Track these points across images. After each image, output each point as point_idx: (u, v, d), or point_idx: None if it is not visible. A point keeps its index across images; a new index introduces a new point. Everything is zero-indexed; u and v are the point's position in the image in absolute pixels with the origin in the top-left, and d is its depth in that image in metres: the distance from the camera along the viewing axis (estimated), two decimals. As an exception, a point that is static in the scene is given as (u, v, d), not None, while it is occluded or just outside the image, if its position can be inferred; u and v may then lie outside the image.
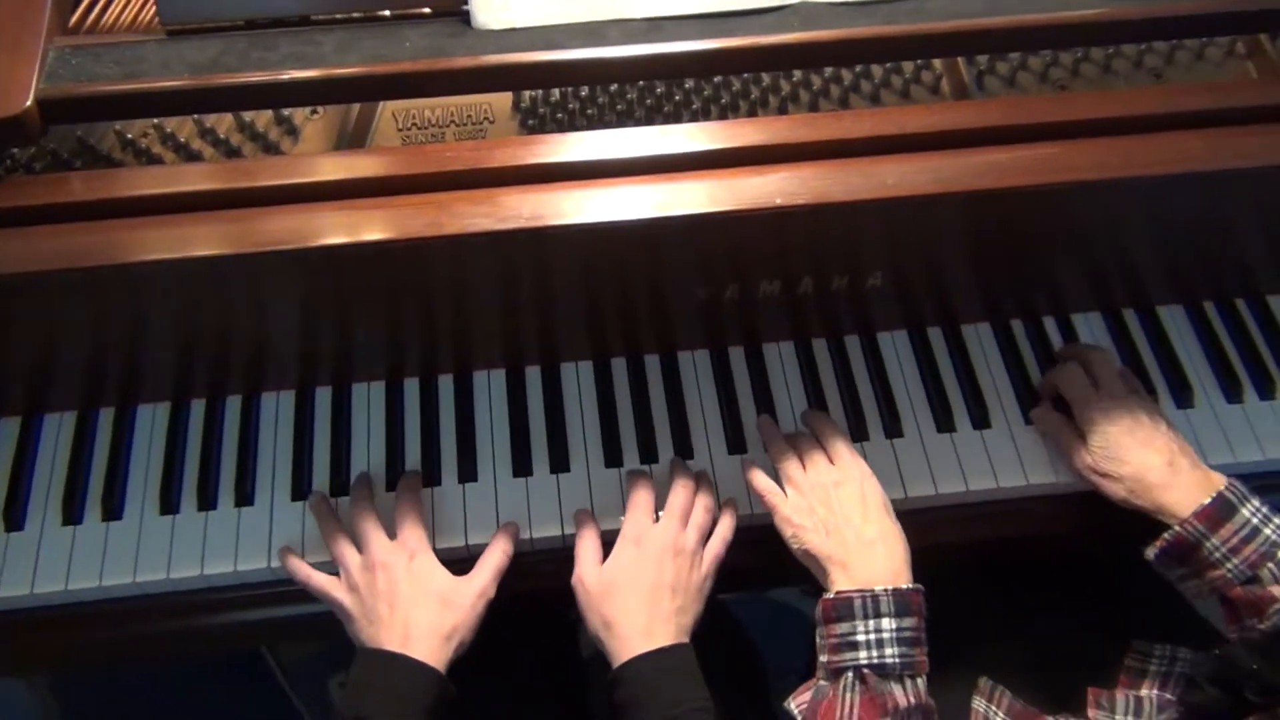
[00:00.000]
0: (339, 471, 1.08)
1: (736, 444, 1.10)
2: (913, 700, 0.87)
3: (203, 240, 0.90)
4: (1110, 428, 0.99)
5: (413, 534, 0.99)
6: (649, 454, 1.09)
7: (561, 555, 1.05)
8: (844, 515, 0.95)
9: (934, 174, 0.94)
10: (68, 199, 0.91)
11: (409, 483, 1.05)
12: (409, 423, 1.11)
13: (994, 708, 0.98)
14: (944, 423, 1.10)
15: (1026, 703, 1.00)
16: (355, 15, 0.98)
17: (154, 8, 1.00)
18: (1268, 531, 0.90)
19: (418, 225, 0.89)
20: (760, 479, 1.02)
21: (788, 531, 0.98)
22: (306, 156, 0.98)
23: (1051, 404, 1.08)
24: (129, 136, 1.00)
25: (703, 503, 1.02)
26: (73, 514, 1.05)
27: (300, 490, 1.07)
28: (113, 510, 1.05)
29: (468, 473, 1.08)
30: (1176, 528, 0.92)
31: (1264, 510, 0.91)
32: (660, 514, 1.01)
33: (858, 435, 1.10)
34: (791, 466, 1.01)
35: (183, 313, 1.00)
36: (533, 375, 1.14)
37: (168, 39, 0.96)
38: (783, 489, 1.01)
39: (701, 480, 1.04)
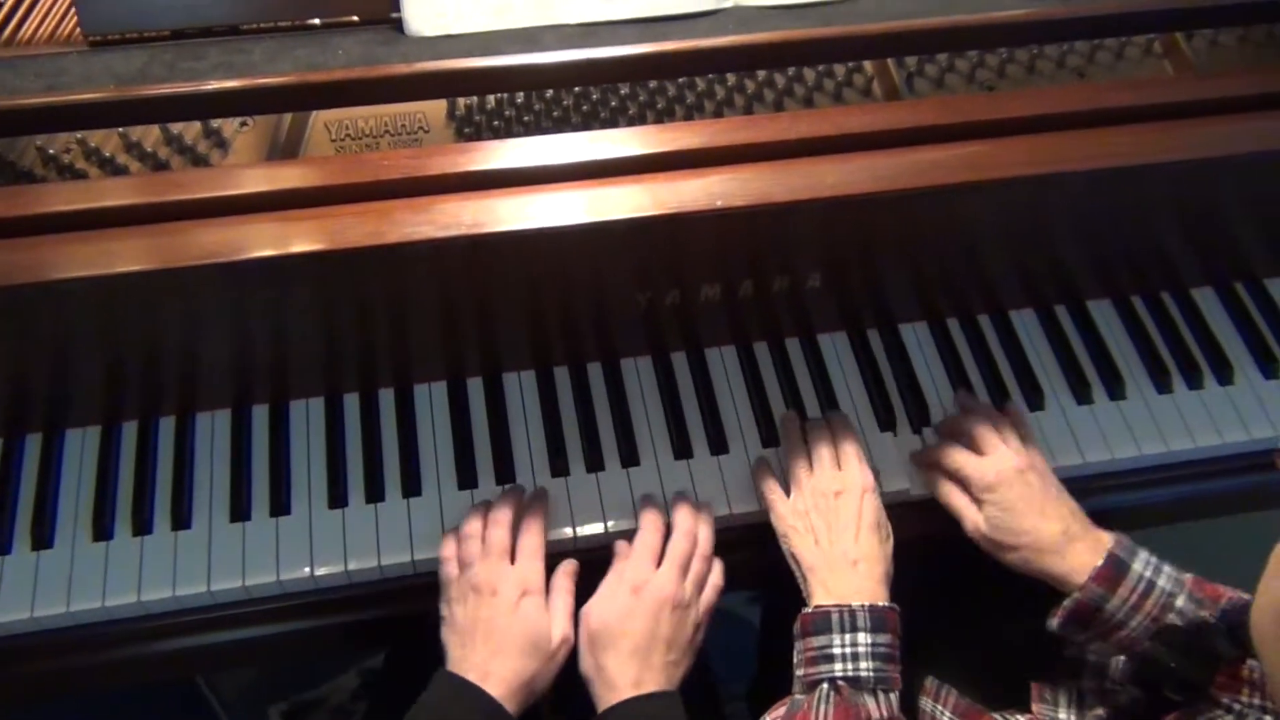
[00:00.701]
0: (278, 491, 1.05)
1: (682, 449, 1.09)
2: (885, 713, 0.87)
3: (131, 255, 0.88)
4: (1006, 496, 0.97)
5: (532, 567, 0.96)
6: (595, 463, 1.08)
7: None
8: (836, 528, 0.96)
9: (872, 173, 0.95)
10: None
11: (537, 502, 1.03)
12: (350, 438, 1.09)
13: (940, 707, 0.99)
14: (885, 421, 1.11)
15: (972, 701, 1.01)
16: (285, 24, 0.97)
17: (75, 19, 0.98)
18: (1161, 582, 0.90)
19: (358, 235, 0.88)
20: (764, 475, 1.04)
21: (780, 529, 0.99)
22: (239, 167, 0.96)
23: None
24: (50, 152, 0.97)
25: (702, 550, 1.00)
26: (1, 544, 1.01)
27: (240, 512, 1.04)
28: (43, 539, 1.01)
29: (412, 488, 1.06)
30: (1076, 594, 0.91)
31: (1154, 561, 0.92)
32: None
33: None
34: (800, 467, 1.02)
35: (112, 331, 0.97)
36: (475, 387, 1.12)
37: (90, 50, 0.94)
38: (788, 486, 1.01)
39: (701, 520, 1.03)
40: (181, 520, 1.03)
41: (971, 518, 1.00)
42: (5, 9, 0.99)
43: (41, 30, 1.00)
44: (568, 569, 1.00)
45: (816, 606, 0.92)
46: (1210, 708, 0.82)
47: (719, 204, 0.92)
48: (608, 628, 0.93)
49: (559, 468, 1.08)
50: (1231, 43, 1.10)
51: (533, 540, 0.98)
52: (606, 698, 0.90)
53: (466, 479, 1.07)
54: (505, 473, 1.07)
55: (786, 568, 1.00)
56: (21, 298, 0.88)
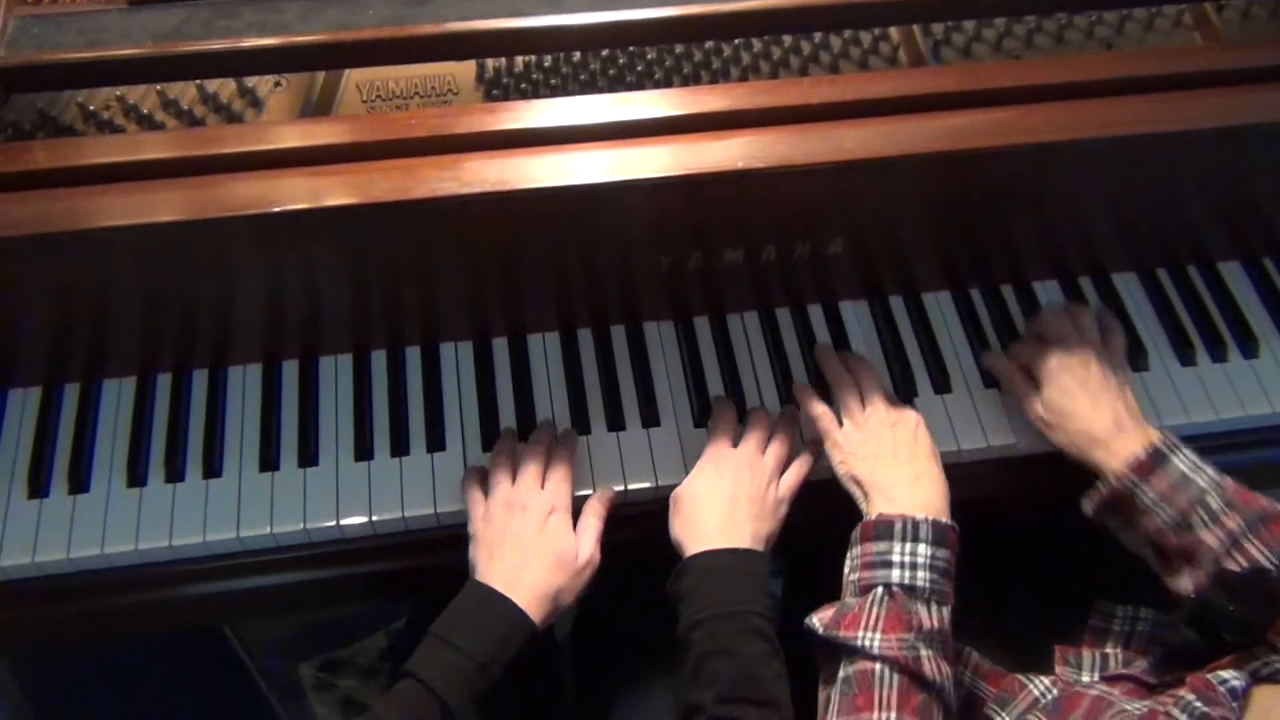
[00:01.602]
0: (306, 444, 1.08)
1: (703, 414, 1.10)
2: (936, 624, 0.88)
3: (167, 205, 0.91)
4: (1065, 379, 1.01)
5: (561, 490, 1.00)
6: (616, 424, 1.10)
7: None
8: (894, 451, 0.98)
9: (890, 137, 0.96)
10: (30, 167, 0.91)
11: (568, 439, 1.07)
12: (376, 395, 1.11)
13: (962, 669, 1.00)
14: (906, 388, 1.12)
15: (993, 663, 1.01)
16: (319, -15, 0.99)
17: (115, -23, 1.01)
18: (1199, 480, 0.91)
19: (383, 190, 0.90)
20: (816, 403, 1.05)
21: (836, 457, 1.01)
22: (272, 124, 0.98)
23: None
24: (91, 108, 1.00)
25: (780, 436, 1.04)
26: (38, 487, 1.04)
27: (269, 462, 1.06)
28: (79, 483, 1.05)
29: (436, 443, 1.08)
30: (1111, 480, 0.94)
31: (1194, 459, 0.93)
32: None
33: (816, 384, 1.11)
34: (851, 397, 1.04)
35: (147, 282, 1.00)
36: (499, 347, 1.14)
37: (129, 8, 0.96)
38: (839, 418, 1.03)
39: (781, 417, 1.07)
40: (213, 469, 1.06)
41: (1034, 402, 1.03)
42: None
43: (84, -11, 1.02)
44: (603, 496, 1.04)
45: (880, 514, 0.93)
46: (1267, 652, 0.82)
47: (739, 165, 0.93)
48: (693, 493, 0.98)
49: (581, 426, 1.09)
50: (1263, 15, 1.09)
51: (562, 467, 1.02)
52: (693, 546, 0.94)
53: (490, 437, 1.09)
54: (529, 431, 1.09)
55: (812, 533, 1.01)
56: (61, 245, 0.91)
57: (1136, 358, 1.14)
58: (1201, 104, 0.99)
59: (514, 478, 1.00)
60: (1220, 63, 1.01)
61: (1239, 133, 1.00)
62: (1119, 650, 1.01)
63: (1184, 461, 0.93)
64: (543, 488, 1.00)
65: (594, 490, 1.05)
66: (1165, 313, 1.17)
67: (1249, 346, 1.15)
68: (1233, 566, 0.88)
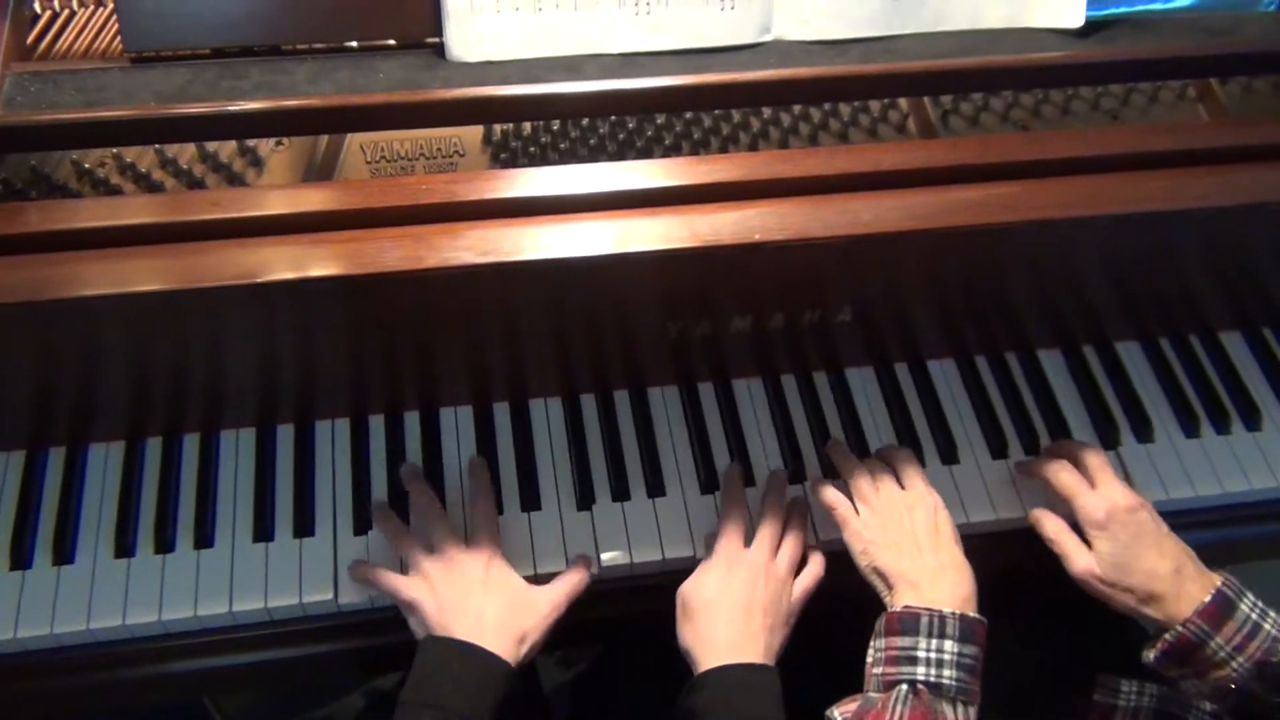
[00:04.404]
0: (302, 513, 1.04)
1: (709, 483, 1.09)
2: None
3: (161, 274, 0.87)
4: (1121, 534, 0.95)
5: (489, 539, 0.98)
6: (621, 493, 1.07)
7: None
8: (916, 538, 0.96)
9: (908, 211, 0.95)
10: (15, 230, 0.88)
11: (480, 481, 1.04)
12: (374, 461, 1.08)
13: None
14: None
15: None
16: (324, 46, 0.96)
17: (115, 34, 0.98)
18: (1267, 627, 0.89)
19: (395, 259, 0.88)
20: (830, 492, 1.03)
21: (858, 547, 0.98)
22: (273, 188, 0.96)
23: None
24: (86, 166, 0.97)
25: (793, 535, 1.02)
26: (21, 558, 1.00)
27: (264, 532, 1.03)
28: (64, 554, 1.01)
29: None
30: (1179, 628, 0.90)
31: (1260, 605, 0.91)
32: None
33: (828, 470, 1.10)
34: (865, 485, 1.02)
35: (140, 348, 0.96)
36: (501, 412, 1.12)
37: (131, 67, 0.93)
38: (854, 506, 1.01)
39: (793, 514, 1.04)
40: (204, 539, 1.02)
41: (1083, 557, 0.98)
42: (42, 22, 0.99)
43: (78, 44, 0.99)
44: (584, 562, 1.02)
45: (906, 606, 0.90)
46: None
47: (756, 237, 0.92)
48: (705, 598, 0.95)
49: (585, 498, 1.07)
50: (1266, 89, 1.10)
51: (481, 517, 1.00)
52: (706, 661, 0.91)
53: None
54: (530, 499, 1.07)
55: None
56: (49, 313, 0.87)
57: (1141, 429, 1.14)
58: (1212, 181, 0.99)
59: (432, 546, 0.97)
60: (1232, 139, 1.01)
61: (1249, 210, 1.00)
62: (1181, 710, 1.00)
63: (1251, 607, 0.90)
64: (469, 544, 0.97)
65: (597, 562, 1.03)
66: (1169, 383, 1.17)
67: (1252, 418, 1.15)
68: None
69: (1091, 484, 1.00)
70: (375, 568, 0.98)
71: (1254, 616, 0.89)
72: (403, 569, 0.97)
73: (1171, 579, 0.93)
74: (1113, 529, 0.96)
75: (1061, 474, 1.02)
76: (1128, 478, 1.10)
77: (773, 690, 0.90)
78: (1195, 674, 0.91)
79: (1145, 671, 1.03)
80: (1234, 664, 0.88)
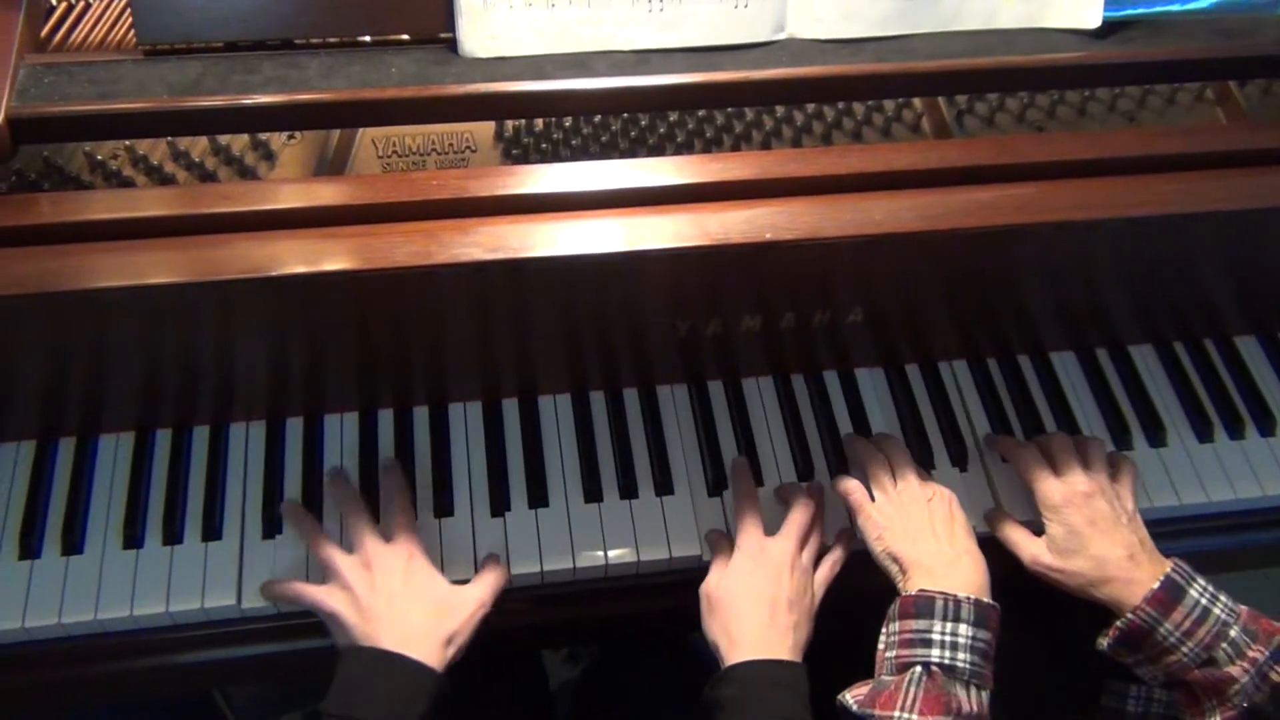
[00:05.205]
0: (311, 505, 1.04)
1: (718, 484, 1.08)
2: (975, 709, 0.86)
3: (172, 267, 0.88)
4: (1073, 517, 0.97)
5: (406, 536, 0.97)
6: (629, 490, 1.07)
7: (537, 594, 1.04)
8: (933, 526, 0.96)
9: (921, 211, 0.94)
10: (28, 221, 0.88)
11: (394, 480, 1.03)
12: (383, 456, 1.08)
13: None
14: (923, 460, 1.10)
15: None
16: (338, 41, 0.96)
17: (129, 26, 0.98)
18: (1216, 611, 0.89)
19: (405, 254, 0.88)
20: (847, 479, 1.03)
21: (872, 533, 0.98)
22: (286, 182, 0.96)
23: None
24: (98, 158, 0.97)
25: (816, 527, 1.02)
26: (30, 548, 1.00)
27: (272, 526, 1.03)
28: (73, 545, 1.01)
29: (444, 509, 1.05)
30: (1129, 615, 0.91)
31: (1210, 589, 0.91)
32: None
33: (837, 471, 1.09)
34: (884, 475, 1.02)
35: (150, 340, 0.96)
36: (509, 408, 1.12)
37: (145, 59, 0.93)
38: (871, 496, 1.01)
39: (814, 506, 1.04)
40: (212, 531, 1.03)
41: (1031, 545, 1.00)
42: (57, 14, 1.00)
43: (93, 36, 1.00)
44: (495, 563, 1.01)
45: (921, 590, 0.90)
46: None
47: (768, 236, 0.91)
48: (731, 592, 0.95)
49: (592, 494, 1.07)
50: (1285, 91, 1.10)
51: (396, 513, 0.99)
52: (734, 656, 0.91)
53: (499, 502, 1.06)
54: (538, 496, 1.06)
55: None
56: (61, 304, 0.88)
57: (1155, 434, 1.13)
58: (1228, 184, 0.99)
59: (351, 546, 0.96)
60: (1248, 143, 1.00)
61: (1265, 214, 0.99)
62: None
63: (1200, 592, 0.91)
64: (387, 542, 0.96)
65: (604, 559, 1.03)
66: (1183, 387, 1.17)
67: (1266, 423, 1.14)
68: (1260, 698, 0.86)
69: (1054, 469, 1.01)
70: (288, 582, 0.97)
71: (1203, 601, 0.90)
72: (321, 572, 0.96)
73: (1122, 564, 0.94)
74: (1066, 513, 0.97)
75: (1025, 456, 1.03)
76: (1142, 483, 1.09)
77: (800, 687, 0.89)
78: (1148, 659, 0.92)
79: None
80: (1183, 649, 0.89)
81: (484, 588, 0.96)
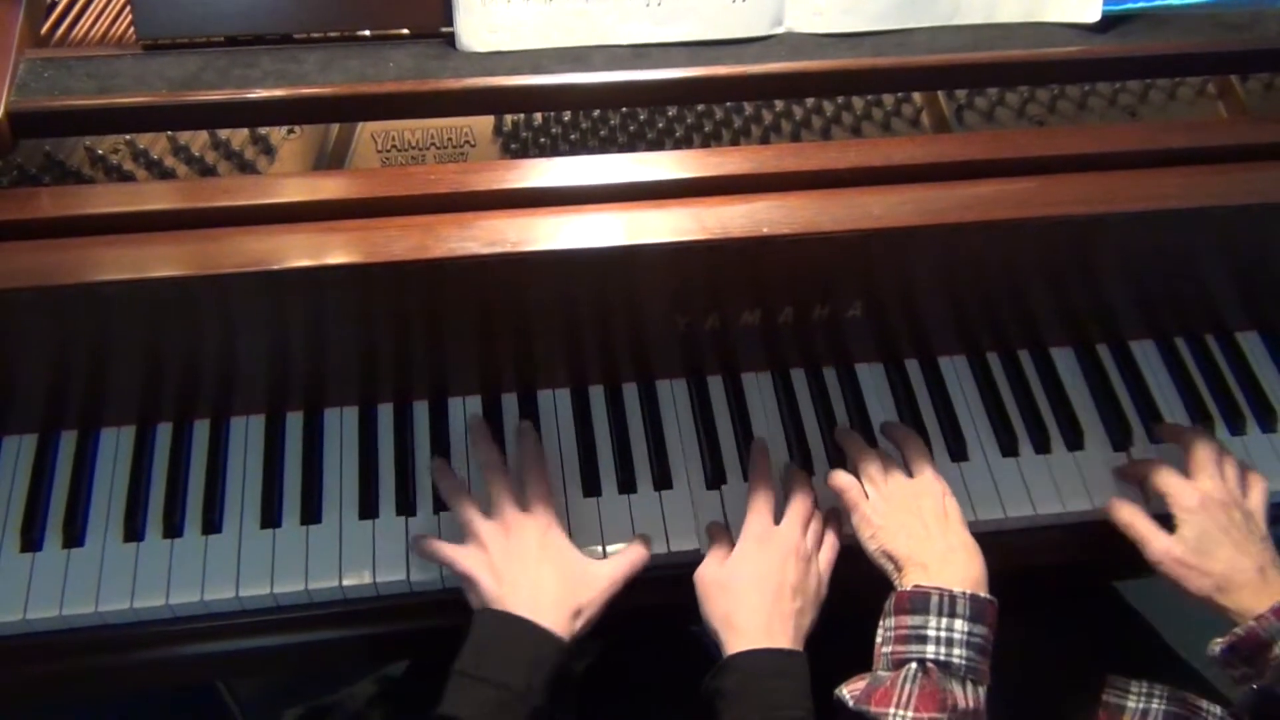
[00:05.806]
0: (310, 500, 1.05)
1: (716, 477, 1.08)
2: (971, 704, 0.86)
3: (173, 260, 0.88)
4: (1208, 523, 0.96)
5: (544, 506, 0.98)
6: (628, 484, 1.07)
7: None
8: (925, 523, 0.96)
9: (918, 206, 0.94)
10: (29, 215, 0.89)
11: (532, 452, 1.03)
12: (383, 450, 1.08)
13: None
14: (922, 454, 1.10)
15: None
16: (337, 35, 0.97)
17: (129, 22, 0.98)
18: None
19: (402, 248, 0.88)
20: (841, 475, 1.02)
21: (866, 532, 0.98)
22: (285, 176, 0.96)
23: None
24: (99, 152, 0.98)
25: (818, 513, 1.02)
26: (31, 541, 1.01)
27: (271, 519, 1.03)
28: (74, 537, 1.01)
29: (445, 502, 1.05)
30: (1251, 622, 0.89)
31: None
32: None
33: (835, 465, 1.09)
34: (875, 470, 1.01)
35: (151, 334, 0.97)
36: (509, 403, 1.12)
37: (144, 54, 0.94)
38: (863, 491, 1.01)
39: (813, 491, 1.04)
40: (212, 524, 1.03)
41: (1162, 539, 0.98)
42: (58, 10, 1.00)
43: (94, 31, 1.00)
44: (645, 541, 1.02)
45: (915, 586, 0.90)
46: None
47: (765, 231, 0.92)
48: (736, 577, 0.95)
49: (591, 488, 1.07)
50: (1286, 86, 1.09)
51: (535, 483, 1.00)
52: (736, 644, 0.91)
53: (499, 494, 1.06)
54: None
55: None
56: (62, 298, 0.88)
57: (1153, 427, 1.12)
58: (1228, 179, 0.98)
59: (490, 509, 0.97)
60: (1250, 137, 1.00)
61: (1266, 209, 0.99)
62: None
63: None
64: (525, 510, 0.97)
65: (603, 552, 1.03)
66: (1183, 382, 1.16)
67: (1267, 420, 1.14)
68: None
69: (1192, 472, 1.01)
70: (431, 540, 0.98)
71: None
72: (459, 529, 0.97)
73: (1252, 574, 0.93)
74: (1203, 515, 0.97)
75: (1159, 468, 1.03)
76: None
77: (802, 677, 0.89)
78: (1259, 674, 0.90)
79: (1156, 673, 1.03)
80: None
81: (618, 566, 0.97)
